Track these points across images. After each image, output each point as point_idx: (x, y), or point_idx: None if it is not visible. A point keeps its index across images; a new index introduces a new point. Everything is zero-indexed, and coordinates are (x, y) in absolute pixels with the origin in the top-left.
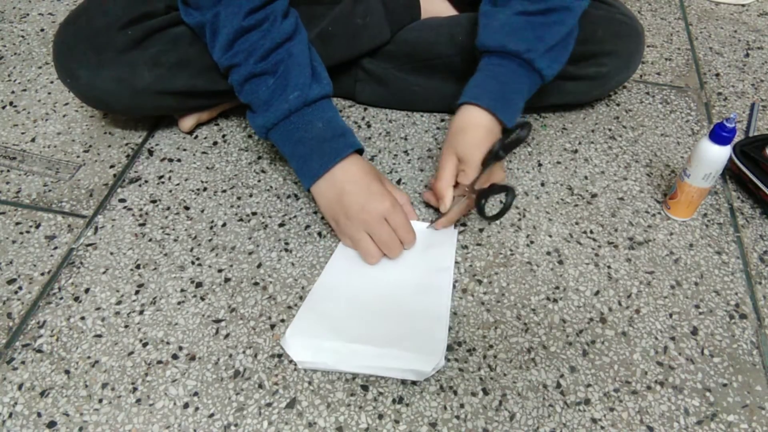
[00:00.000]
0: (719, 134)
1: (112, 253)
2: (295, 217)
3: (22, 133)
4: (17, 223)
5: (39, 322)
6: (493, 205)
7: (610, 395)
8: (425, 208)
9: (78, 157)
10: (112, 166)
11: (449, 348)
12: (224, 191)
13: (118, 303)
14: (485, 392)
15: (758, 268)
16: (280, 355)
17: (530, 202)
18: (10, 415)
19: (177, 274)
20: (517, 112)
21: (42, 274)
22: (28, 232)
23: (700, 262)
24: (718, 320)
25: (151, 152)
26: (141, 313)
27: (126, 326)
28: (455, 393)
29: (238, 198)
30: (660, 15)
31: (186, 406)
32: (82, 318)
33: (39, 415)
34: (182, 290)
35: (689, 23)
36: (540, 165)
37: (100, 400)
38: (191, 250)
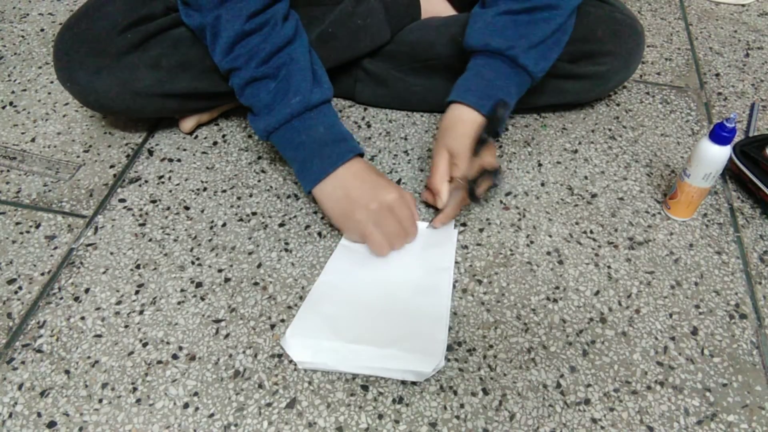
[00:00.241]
0: (719, 134)
1: (112, 253)
2: (295, 217)
3: (22, 133)
4: (17, 223)
5: (39, 322)
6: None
7: (610, 395)
8: (425, 208)
9: (78, 157)
10: (112, 166)
11: (449, 348)
12: (224, 191)
13: (118, 303)
14: (485, 392)
15: (758, 268)
16: (280, 355)
17: (530, 202)
18: (10, 415)
19: (177, 274)
20: None
21: (42, 274)
22: (28, 232)
23: (700, 262)
24: (718, 320)
25: (151, 152)
26: (141, 313)
27: (126, 326)
28: (455, 393)
29: (238, 198)
30: (660, 15)
31: (186, 406)
32: (82, 318)
33: (39, 415)
34: (182, 290)
35: (689, 23)
36: (540, 165)
37: (100, 400)
38: (191, 250)
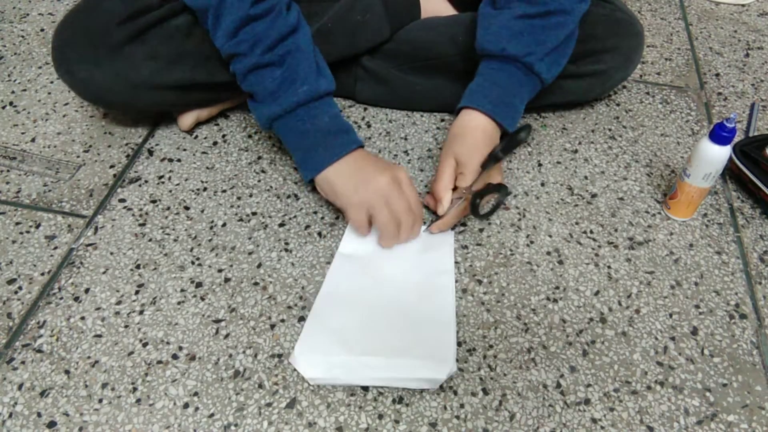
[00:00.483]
0: (719, 134)
1: (112, 253)
2: (295, 217)
3: (22, 133)
4: (17, 223)
5: (39, 322)
6: (488, 202)
7: (610, 395)
8: (426, 212)
9: (78, 157)
10: (112, 166)
11: None
12: (224, 191)
13: (118, 303)
14: (485, 392)
15: (758, 268)
16: (280, 355)
17: (530, 202)
18: (10, 415)
19: (177, 274)
20: (518, 115)
21: (42, 274)
22: (28, 232)
23: (700, 262)
24: (718, 320)
25: (151, 152)
26: (141, 313)
27: (126, 326)
28: (455, 393)
29: (238, 198)
30: (660, 15)
31: (186, 406)
32: (82, 318)
33: (39, 415)
34: (182, 290)
35: (689, 23)
36: (540, 165)
37: (100, 400)
38: (191, 250)
